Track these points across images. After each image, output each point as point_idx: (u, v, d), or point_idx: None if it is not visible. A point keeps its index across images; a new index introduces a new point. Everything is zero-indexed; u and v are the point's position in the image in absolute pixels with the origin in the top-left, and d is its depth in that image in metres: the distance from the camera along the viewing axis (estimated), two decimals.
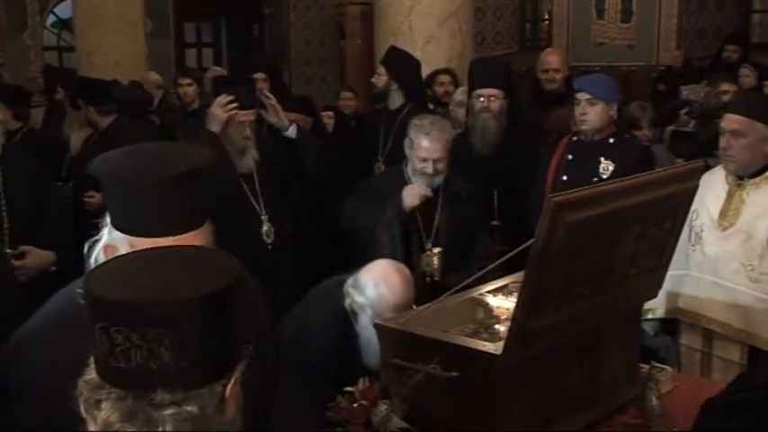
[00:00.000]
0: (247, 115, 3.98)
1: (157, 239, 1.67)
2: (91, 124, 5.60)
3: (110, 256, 1.68)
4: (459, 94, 5.70)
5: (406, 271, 2.97)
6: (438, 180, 3.96)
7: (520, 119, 4.87)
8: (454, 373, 2.27)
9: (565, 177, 4.24)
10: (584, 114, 4.18)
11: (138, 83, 7.77)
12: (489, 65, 5.19)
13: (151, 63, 9.15)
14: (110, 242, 1.76)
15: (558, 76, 5.83)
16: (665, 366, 2.91)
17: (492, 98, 4.68)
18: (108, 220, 1.78)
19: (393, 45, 5.99)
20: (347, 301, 2.91)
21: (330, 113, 6.66)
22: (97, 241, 1.79)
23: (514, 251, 2.28)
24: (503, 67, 5.06)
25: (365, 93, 7.52)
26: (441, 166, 3.94)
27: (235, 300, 1.27)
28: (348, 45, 11.05)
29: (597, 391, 2.63)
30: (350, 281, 2.94)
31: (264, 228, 4.06)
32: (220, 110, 3.92)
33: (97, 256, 1.79)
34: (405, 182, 4.00)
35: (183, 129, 6.28)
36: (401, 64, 5.49)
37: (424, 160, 3.90)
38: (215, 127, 3.94)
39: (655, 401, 2.61)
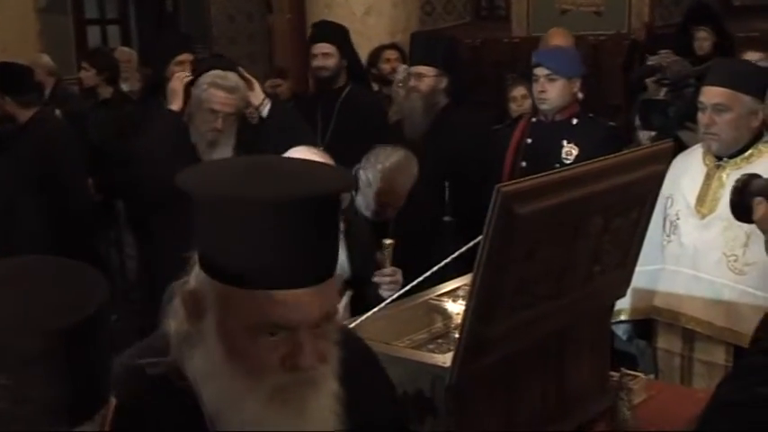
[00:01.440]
0: (223, 104, 3.91)
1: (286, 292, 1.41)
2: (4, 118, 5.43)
3: (190, 308, 1.48)
4: (401, 73, 5.76)
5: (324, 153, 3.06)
6: (390, 215, 3.95)
7: (465, 99, 4.93)
8: (398, 390, 2.29)
9: (524, 164, 4.31)
10: (542, 92, 4.26)
11: (28, 68, 7.66)
12: (427, 40, 5.20)
13: (44, 43, 9.01)
14: (196, 288, 1.48)
15: None
16: (638, 373, 2.97)
17: (421, 76, 4.73)
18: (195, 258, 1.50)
19: (324, 19, 6.00)
20: None
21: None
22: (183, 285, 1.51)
23: (463, 248, 2.31)
24: (444, 42, 5.10)
25: (299, 72, 7.50)
26: (400, 206, 3.92)
27: (104, 323, 1.24)
28: (276, 20, 11.02)
29: (563, 405, 2.67)
30: None
31: None
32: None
33: (173, 306, 1.52)
34: (351, 209, 4.00)
35: (96, 120, 6.20)
36: (346, 39, 5.47)
37: (383, 204, 3.88)
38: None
39: (626, 413, 2.66)
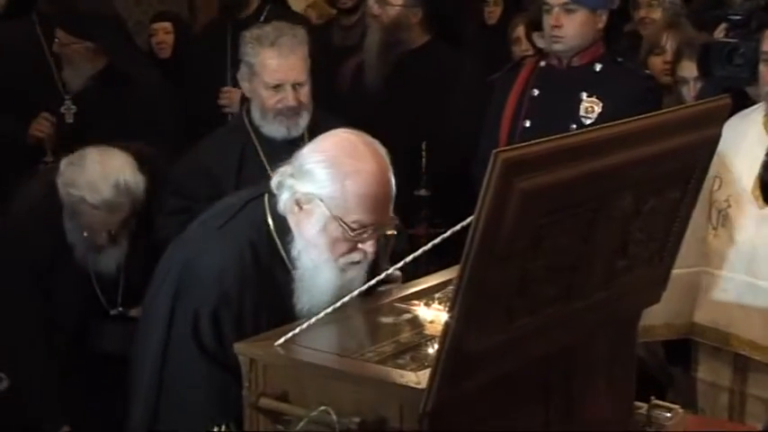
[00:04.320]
0: (104, 224, 3.93)
1: None
2: None
3: None
4: None
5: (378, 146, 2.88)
6: (303, 122, 4.02)
7: (458, 39, 4.97)
8: (355, 419, 2.33)
9: (528, 123, 4.34)
10: (557, 27, 4.28)
11: None
12: None
13: None
14: None
15: None
16: (672, 405, 3.01)
17: (385, 3, 4.82)
18: None
19: None
20: (283, 204, 2.85)
21: (166, 25, 6.59)
22: None
23: (445, 234, 2.35)
24: None
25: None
26: (304, 95, 3.99)
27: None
28: None
29: None
30: (281, 174, 2.87)
31: None
32: None
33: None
34: (250, 141, 4.06)
35: None
36: None
37: (278, 87, 3.94)
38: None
39: None
